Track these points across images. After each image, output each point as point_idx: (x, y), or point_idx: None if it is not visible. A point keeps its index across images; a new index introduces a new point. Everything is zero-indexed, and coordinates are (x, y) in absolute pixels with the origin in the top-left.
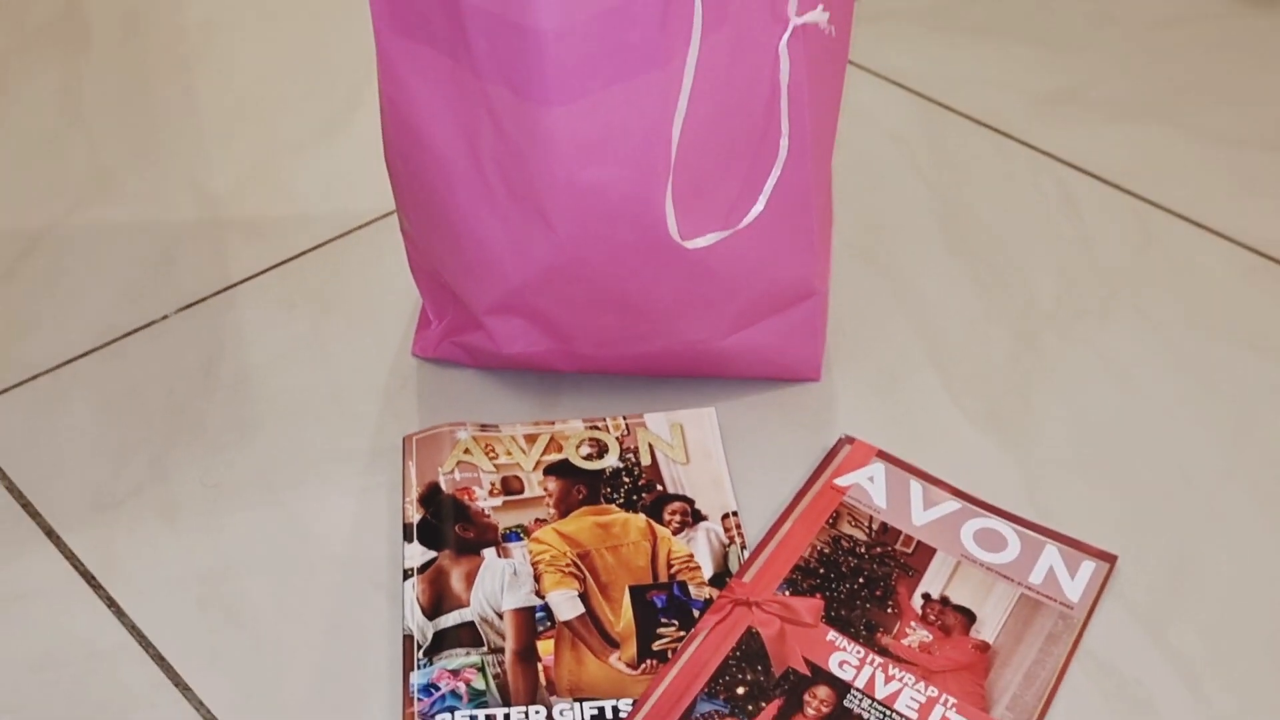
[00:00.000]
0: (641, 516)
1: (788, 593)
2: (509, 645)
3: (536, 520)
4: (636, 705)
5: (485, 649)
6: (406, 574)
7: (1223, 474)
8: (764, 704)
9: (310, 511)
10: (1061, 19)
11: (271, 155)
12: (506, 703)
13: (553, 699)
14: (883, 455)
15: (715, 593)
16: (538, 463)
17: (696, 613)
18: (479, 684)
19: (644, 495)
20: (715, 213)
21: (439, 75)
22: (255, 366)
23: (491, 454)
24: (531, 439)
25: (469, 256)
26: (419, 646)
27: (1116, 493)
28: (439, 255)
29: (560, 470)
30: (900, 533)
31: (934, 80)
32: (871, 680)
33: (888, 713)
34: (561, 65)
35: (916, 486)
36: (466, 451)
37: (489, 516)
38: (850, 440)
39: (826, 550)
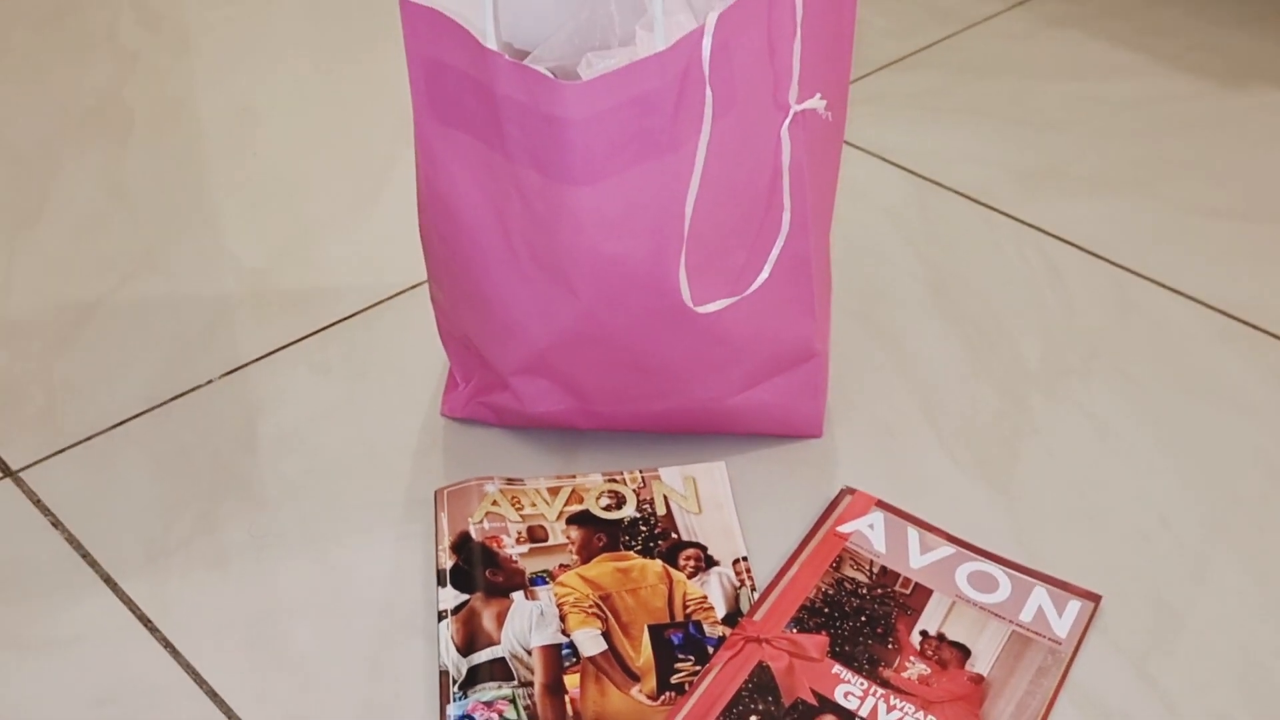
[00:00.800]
0: (658, 562)
1: (795, 630)
2: (538, 679)
3: (560, 566)
4: None
5: (516, 683)
6: (441, 615)
7: (1198, 519)
8: None
9: (350, 560)
10: (1042, 101)
11: (306, 231)
12: None
13: None
14: (882, 504)
15: (728, 631)
16: (560, 513)
17: (711, 649)
18: (511, 714)
19: (660, 543)
20: (725, 281)
21: (473, 158)
22: (295, 427)
23: (518, 505)
24: (554, 491)
25: (498, 321)
26: (454, 681)
27: (1100, 537)
28: (469, 321)
29: (581, 520)
30: (899, 575)
31: (925, 158)
32: (874, 710)
33: None
34: (587, 150)
35: (913, 533)
36: (494, 503)
37: (516, 562)
38: (851, 491)
39: (831, 591)
